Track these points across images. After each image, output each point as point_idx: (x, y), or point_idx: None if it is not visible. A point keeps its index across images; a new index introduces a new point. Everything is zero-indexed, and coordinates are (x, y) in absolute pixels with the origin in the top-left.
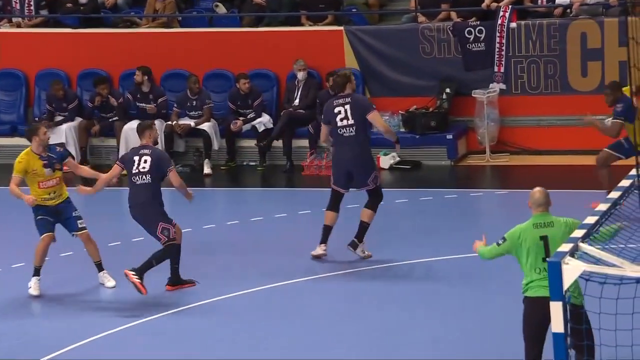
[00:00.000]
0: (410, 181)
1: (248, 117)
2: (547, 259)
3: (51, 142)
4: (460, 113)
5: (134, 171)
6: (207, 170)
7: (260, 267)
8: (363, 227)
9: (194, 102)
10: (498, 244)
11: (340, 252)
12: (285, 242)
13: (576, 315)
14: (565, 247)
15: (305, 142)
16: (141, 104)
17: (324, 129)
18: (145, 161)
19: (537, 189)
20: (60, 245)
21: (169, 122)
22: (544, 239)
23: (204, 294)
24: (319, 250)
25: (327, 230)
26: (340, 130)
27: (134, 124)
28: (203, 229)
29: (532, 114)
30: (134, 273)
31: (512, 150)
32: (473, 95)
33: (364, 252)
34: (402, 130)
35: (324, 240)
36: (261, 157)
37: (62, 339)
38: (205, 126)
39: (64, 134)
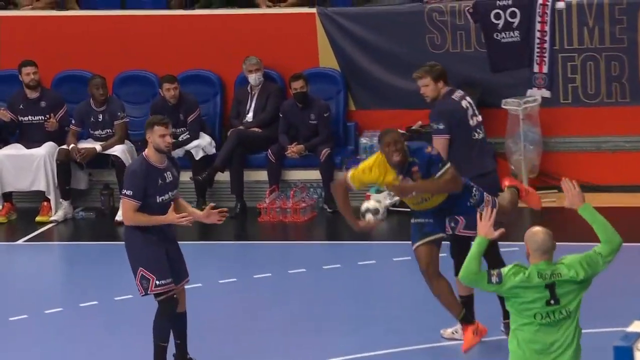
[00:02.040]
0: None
1: (180, 138)
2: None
3: None
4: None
5: None
6: (119, 216)
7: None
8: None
9: (100, 117)
10: (490, 281)
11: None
12: (238, 319)
13: None
14: (637, 326)
15: (263, 175)
16: (27, 117)
17: (444, 144)
18: None
19: (539, 228)
20: None
21: (64, 146)
22: (551, 287)
23: None
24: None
25: (469, 302)
26: (474, 134)
27: (12, 149)
28: (115, 300)
29: (588, 133)
30: None
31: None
32: (503, 106)
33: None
34: None
35: (472, 316)
36: (199, 196)
37: None
38: (117, 151)
39: None
